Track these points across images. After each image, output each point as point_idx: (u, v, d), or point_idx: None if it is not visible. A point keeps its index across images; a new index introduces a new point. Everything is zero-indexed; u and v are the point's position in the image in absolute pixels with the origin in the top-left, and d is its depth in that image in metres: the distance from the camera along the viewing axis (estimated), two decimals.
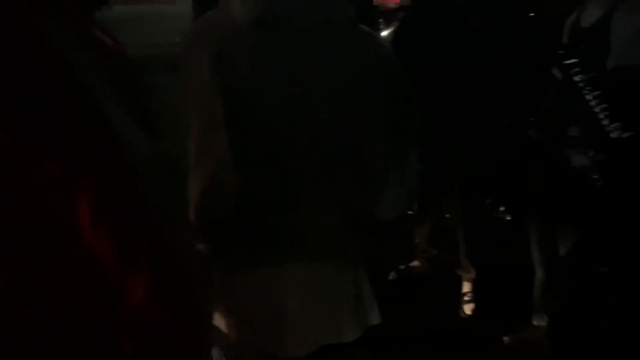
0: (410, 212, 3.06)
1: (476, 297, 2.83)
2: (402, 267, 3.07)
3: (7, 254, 0.68)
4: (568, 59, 1.77)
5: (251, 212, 1.21)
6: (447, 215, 3.02)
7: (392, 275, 3.04)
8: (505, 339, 2.57)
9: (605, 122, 1.72)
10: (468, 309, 2.82)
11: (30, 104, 0.65)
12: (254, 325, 1.27)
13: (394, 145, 1.26)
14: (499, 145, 2.75)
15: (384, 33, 3.31)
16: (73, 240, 0.67)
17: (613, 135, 1.71)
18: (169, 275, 0.71)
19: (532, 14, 2.34)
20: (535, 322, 2.52)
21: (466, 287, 2.87)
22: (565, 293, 2.20)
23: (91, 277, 0.69)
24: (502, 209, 3.48)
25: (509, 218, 3.34)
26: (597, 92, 1.73)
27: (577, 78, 1.74)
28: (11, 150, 0.65)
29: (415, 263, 3.08)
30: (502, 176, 3.01)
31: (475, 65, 2.41)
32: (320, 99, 1.19)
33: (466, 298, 2.84)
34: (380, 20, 3.60)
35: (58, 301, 0.68)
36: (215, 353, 1.42)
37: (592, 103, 1.73)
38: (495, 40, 2.41)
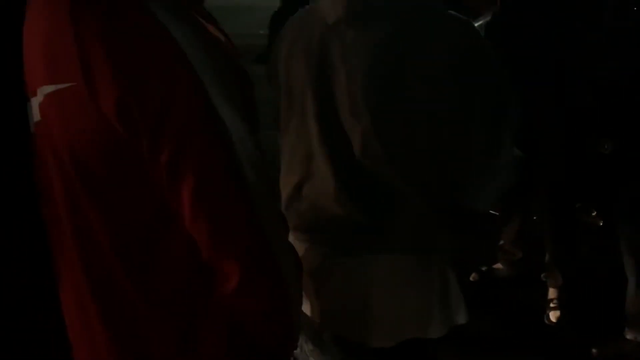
0: (495, 213, 2.97)
1: (563, 305, 2.70)
2: (484, 269, 2.99)
3: (119, 236, 0.71)
4: None
5: (343, 202, 1.22)
6: (534, 218, 2.91)
7: (473, 276, 2.97)
8: (594, 351, 2.45)
9: None
10: (553, 316, 2.70)
11: (145, 95, 0.67)
12: (341, 313, 1.28)
13: (489, 136, 1.22)
14: (593, 147, 2.62)
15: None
16: (175, 225, 0.70)
17: None
18: (262, 270, 0.72)
19: None
20: (628, 336, 2.38)
21: (552, 293, 2.75)
22: None
23: (188, 263, 0.71)
24: (594, 213, 3.32)
25: (601, 223, 3.18)
26: None
27: None
28: (127, 140, 0.68)
29: (498, 265, 2.99)
30: (595, 179, 2.87)
31: (572, 63, 2.29)
32: (415, 89, 1.16)
33: (552, 305, 2.73)
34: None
35: (157, 282, 0.71)
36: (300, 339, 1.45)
37: None
38: (598, 36, 2.28)
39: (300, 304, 0.80)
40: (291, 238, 1.36)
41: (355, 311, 1.27)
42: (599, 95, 2.35)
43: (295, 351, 1.49)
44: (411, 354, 1.28)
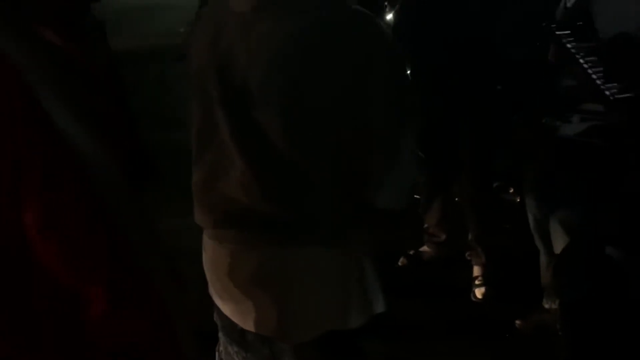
0: (418, 197, 3.04)
1: (487, 281, 2.80)
2: (411, 252, 3.05)
3: None
4: (561, 31, 1.86)
5: (255, 195, 1.20)
6: (456, 199, 2.99)
7: (401, 261, 3.03)
8: (517, 322, 2.56)
9: (601, 85, 1.79)
10: (479, 293, 2.80)
11: None
12: (258, 311, 1.26)
13: (392, 135, 1.23)
14: (507, 128, 2.72)
15: (389, 16, 3.26)
16: (26, 251, 0.65)
17: (609, 96, 1.78)
18: (128, 292, 0.69)
19: None
20: (545, 305, 2.49)
21: (476, 271, 2.85)
22: (575, 275, 2.18)
23: (46, 289, 0.67)
24: (511, 190, 3.46)
25: (518, 200, 3.32)
26: (591, 58, 1.81)
27: (570, 46, 1.83)
28: None
29: (425, 248, 3.06)
30: (510, 158, 2.99)
31: (480, 46, 2.36)
32: (320, 84, 1.15)
33: (477, 282, 2.82)
34: (386, 2, 3.53)
35: (19, 313, 0.67)
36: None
37: (586, 67, 1.81)
38: (499, 17, 2.36)
39: (185, 316, 0.78)
40: (205, 235, 1.35)
41: (271, 308, 1.26)
42: (507, 76, 2.44)
43: (220, 353, 1.48)
44: (332, 345, 1.28)
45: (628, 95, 1.76)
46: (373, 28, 1.23)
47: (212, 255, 1.33)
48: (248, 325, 1.29)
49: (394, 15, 2.70)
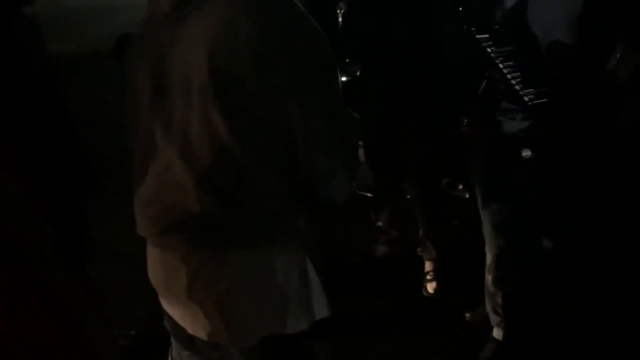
0: (369, 195, 3.07)
1: (438, 276, 2.86)
2: (363, 250, 3.08)
3: None
4: (481, 34, 1.88)
5: (196, 197, 1.18)
6: (407, 197, 3.04)
7: (353, 259, 3.05)
8: (467, 315, 2.62)
9: (520, 90, 1.83)
10: (430, 287, 2.85)
11: None
12: (202, 316, 1.25)
13: (328, 125, 1.19)
14: (451, 125, 2.78)
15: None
16: None
17: (528, 101, 1.82)
18: (32, 301, 0.67)
19: None
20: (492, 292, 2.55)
21: (428, 266, 2.90)
22: (514, 269, 2.25)
23: None
24: (460, 187, 3.53)
25: (467, 196, 3.39)
26: (509, 63, 1.84)
27: (490, 50, 1.86)
28: None
29: (377, 245, 3.09)
30: (458, 154, 3.05)
31: (422, 44, 2.40)
32: (247, 73, 1.11)
33: (428, 277, 2.87)
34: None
35: None
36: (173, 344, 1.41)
37: (506, 72, 1.84)
38: (430, 20, 2.42)
39: (100, 324, 0.77)
40: (148, 245, 1.33)
41: (214, 312, 1.25)
42: (449, 74, 2.49)
43: (173, 359, 1.46)
44: (279, 347, 1.28)
45: (544, 100, 1.81)
46: (292, 10, 1.18)
47: (156, 263, 1.32)
48: (195, 330, 1.28)
49: (341, 17, 2.72)
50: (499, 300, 2.32)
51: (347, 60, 2.69)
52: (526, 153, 1.91)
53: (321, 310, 1.30)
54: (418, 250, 2.95)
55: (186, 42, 1.14)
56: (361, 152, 2.75)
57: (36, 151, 0.72)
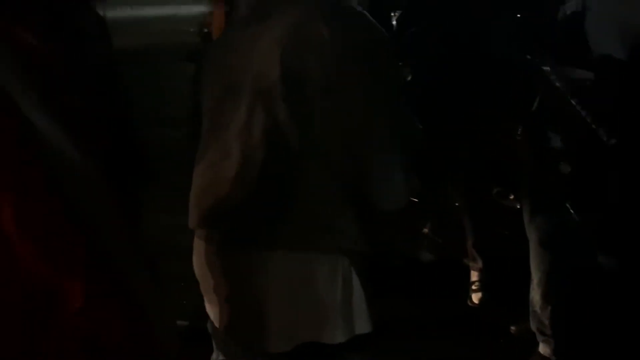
0: (415, 200, 3.04)
1: (484, 287, 2.81)
2: (408, 256, 3.06)
3: None
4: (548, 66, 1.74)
5: (246, 194, 1.21)
6: (456, 204, 3.00)
7: (398, 265, 3.03)
8: (512, 328, 2.56)
9: (590, 127, 1.68)
10: (475, 298, 2.80)
11: None
12: (239, 318, 1.26)
13: (391, 134, 1.22)
14: (505, 133, 2.73)
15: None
16: (4, 247, 0.66)
17: (600, 141, 1.67)
18: (105, 287, 0.70)
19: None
20: (539, 311, 2.49)
21: (474, 276, 2.86)
22: (565, 283, 2.18)
23: (25, 285, 0.68)
24: (511, 197, 3.46)
25: (518, 206, 3.32)
26: (580, 98, 1.67)
27: (558, 85, 1.70)
28: None
29: (422, 252, 3.07)
30: (511, 163, 2.99)
31: (480, 52, 2.37)
32: (320, 80, 1.15)
33: (474, 287, 2.83)
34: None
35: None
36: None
37: (577, 109, 1.68)
38: (500, 23, 2.38)
39: (163, 312, 0.79)
40: (195, 237, 1.35)
41: (252, 313, 1.24)
42: (511, 80, 2.44)
43: None
44: (313, 356, 1.25)
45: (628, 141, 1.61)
46: (367, 23, 1.22)
47: (200, 257, 1.33)
48: (228, 330, 1.27)
49: (396, 21, 2.72)
50: (545, 320, 2.26)
51: (400, 64, 2.69)
52: (565, 168, 1.82)
53: (362, 324, 1.27)
54: (464, 259, 2.90)
55: (260, 43, 1.18)
56: None
57: (103, 144, 0.76)
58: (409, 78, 2.67)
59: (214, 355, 1.43)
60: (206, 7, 3.22)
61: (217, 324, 1.29)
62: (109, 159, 0.77)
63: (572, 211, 1.94)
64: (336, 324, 1.24)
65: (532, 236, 2.21)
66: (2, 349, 0.69)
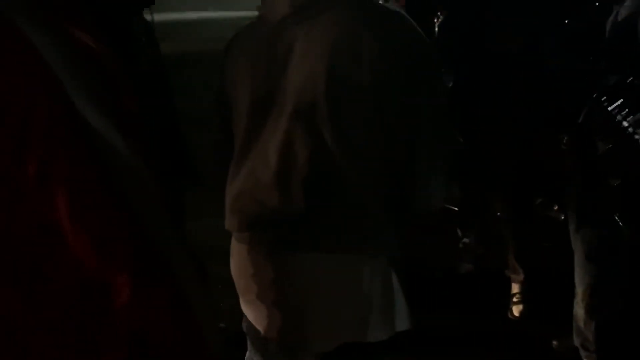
0: (456, 210, 3.00)
1: (525, 299, 2.75)
2: (449, 267, 3.02)
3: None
4: (613, 100, 1.57)
5: (285, 198, 1.21)
6: (498, 214, 2.95)
7: (438, 274, 2.99)
8: (554, 343, 2.50)
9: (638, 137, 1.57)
10: (516, 310, 2.75)
11: (3, 105, 0.65)
12: (280, 318, 1.27)
13: (428, 138, 1.22)
14: (549, 142, 2.67)
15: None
16: (54, 236, 0.68)
17: None
18: (153, 281, 0.71)
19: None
20: (582, 327, 2.42)
21: (515, 288, 2.80)
22: (610, 298, 2.11)
23: (76, 278, 0.70)
24: (555, 208, 3.38)
25: (562, 218, 3.23)
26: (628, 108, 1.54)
27: (626, 123, 1.52)
28: None
29: (463, 263, 3.02)
30: (555, 174, 2.92)
31: (524, 59, 2.33)
32: (362, 83, 1.14)
33: (515, 299, 2.77)
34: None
35: (46, 300, 0.69)
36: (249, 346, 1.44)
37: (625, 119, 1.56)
38: (544, 31, 2.33)
39: (209, 312, 0.80)
40: (233, 240, 1.37)
41: (294, 315, 1.25)
42: (553, 91, 2.39)
43: None
44: (355, 356, 1.26)
45: None
46: (407, 23, 1.22)
47: (239, 259, 1.34)
48: (269, 332, 1.29)
49: (437, 27, 2.70)
50: (589, 336, 2.19)
51: (442, 70, 2.67)
52: (614, 181, 1.73)
53: (401, 322, 1.29)
54: (506, 271, 2.85)
55: (302, 47, 1.17)
56: None
57: (150, 146, 0.78)
58: (451, 84, 2.64)
59: (248, 354, 1.44)
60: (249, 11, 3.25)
61: (257, 325, 1.31)
62: (157, 159, 0.78)
63: (620, 224, 1.88)
64: (377, 323, 1.26)
65: (577, 248, 2.15)
66: (55, 343, 0.70)
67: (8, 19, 0.67)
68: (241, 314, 1.38)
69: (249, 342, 1.42)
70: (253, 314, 1.32)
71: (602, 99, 1.72)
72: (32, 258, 0.69)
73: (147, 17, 1.95)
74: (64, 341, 0.70)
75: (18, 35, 0.67)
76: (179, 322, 0.73)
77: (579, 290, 2.20)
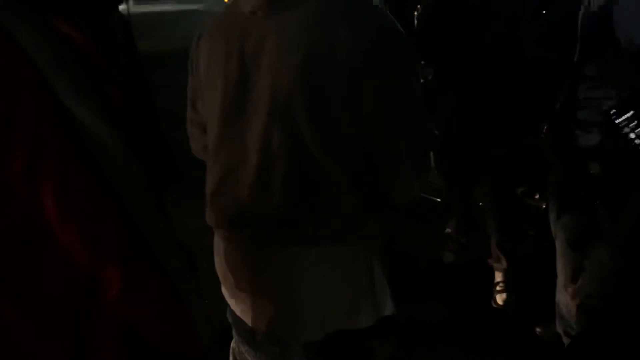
0: (438, 200, 3.03)
1: (508, 287, 2.78)
2: (432, 256, 3.04)
3: None
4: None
5: (265, 194, 1.21)
6: (480, 204, 2.97)
7: (422, 264, 3.02)
8: (538, 330, 2.53)
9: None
10: (500, 299, 2.77)
11: None
12: (268, 311, 1.27)
13: (404, 127, 1.21)
14: (529, 132, 2.69)
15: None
16: (43, 232, 0.68)
17: (630, 140, 1.54)
18: (144, 273, 0.71)
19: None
20: (565, 313, 2.46)
21: (498, 276, 2.83)
22: (592, 284, 2.14)
23: (67, 272, 0.70)
24: (537, 196, 3.42)
25: (544, 206, 3.27)
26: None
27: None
28: None
29: (445, 252, 3.05)
30: (536, 163, 2.95)
31: (505, 48, 2.35)
32: (334, 76, 1.13)
33: (498, 288, 2.80)
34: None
35: (37, 295, 0.69)
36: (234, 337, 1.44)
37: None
38: (526, 20, 2.34)
39: (199, 304, 0.80)
40: (216, 236, 1.36)
41: (281, 307, 1.26)
42: (533, 80, 2.41)
43: (233, 350, 1.49)
44: (342, 345, 1.29)
45: None
46: (382, 15, 1.22)
47: (223, 256, 1.34)
48: (257, 324, 1.30)
49: (416, 19, 2.71)
50: (572, 323, 2.22)
51: (422, 63, 2.67)
52: (594, 168, 1.75)
53: (387, 306, 1.31)
54: (488, 259, 2.88)
55: (275, 42, 1.15)
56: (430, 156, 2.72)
57: (138, 140, 0.78)
58: (430, 77, 2.66)
59: (233, 343, 1.45)
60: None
61: (244, 318, 1.32)
62: (145, 153, 0.78)
63: (600, 211, 1.90)
64: (363, 310, 1.27)
65: (558, 236, 2.18)
66: (47, 337, 0.70)
67: None
68: (225, 304, 1.39)
69: (234, 332, 1.43)
70: (239, 307, 1.33)
71: (584, 89, 1.73)
72: (21, 254, 0.68)
73: (124, 11, 1.93)
74: (55, 335, 0.70)
75: (0, 30, 0.66)
76: (169, 315, 0.73)
77: (561, 277, 2.22)
